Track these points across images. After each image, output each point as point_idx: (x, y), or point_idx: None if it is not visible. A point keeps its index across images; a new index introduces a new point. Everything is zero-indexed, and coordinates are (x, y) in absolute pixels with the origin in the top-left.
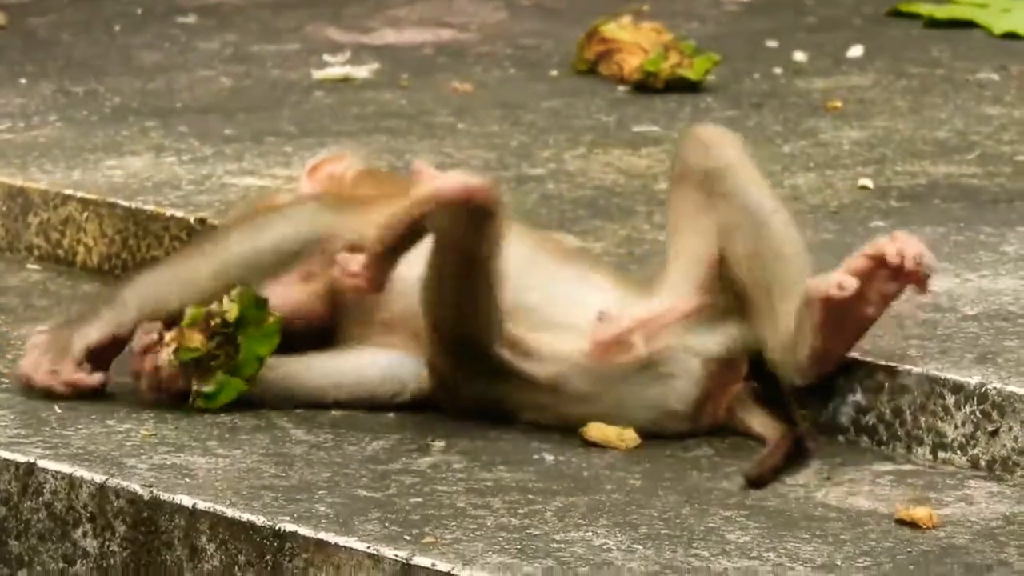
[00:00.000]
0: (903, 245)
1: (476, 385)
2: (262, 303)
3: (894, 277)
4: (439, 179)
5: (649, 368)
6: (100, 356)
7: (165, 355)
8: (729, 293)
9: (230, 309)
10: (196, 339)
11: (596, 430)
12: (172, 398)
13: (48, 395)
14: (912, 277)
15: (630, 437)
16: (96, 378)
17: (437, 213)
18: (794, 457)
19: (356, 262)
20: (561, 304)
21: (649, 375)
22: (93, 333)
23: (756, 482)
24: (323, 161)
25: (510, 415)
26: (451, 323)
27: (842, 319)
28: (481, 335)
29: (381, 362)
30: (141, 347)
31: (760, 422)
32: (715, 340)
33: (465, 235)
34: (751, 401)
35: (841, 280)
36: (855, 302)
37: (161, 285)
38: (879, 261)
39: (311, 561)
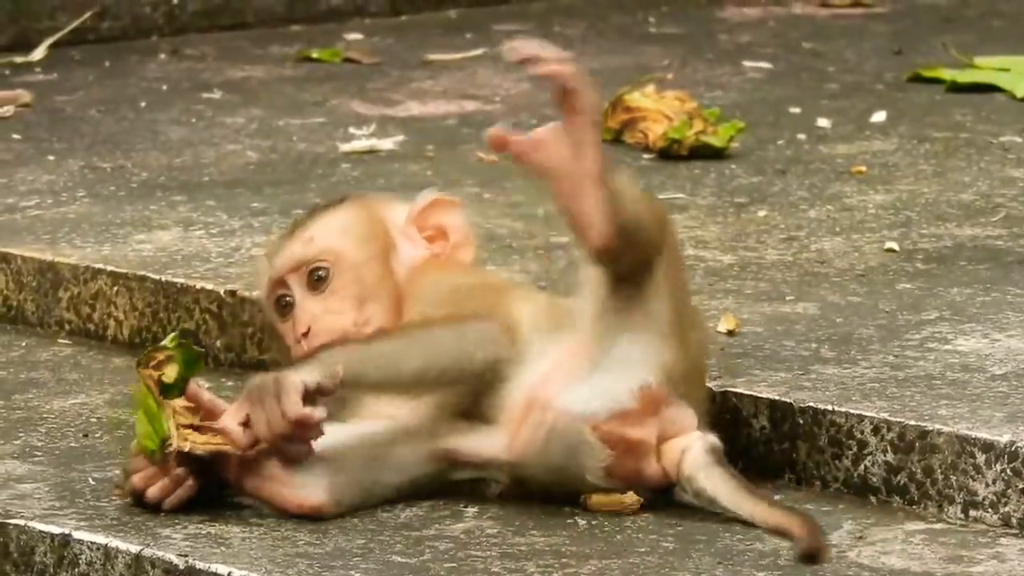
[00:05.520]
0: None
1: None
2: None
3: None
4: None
5: (552, 444)
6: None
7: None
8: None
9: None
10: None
11: (596, 501)
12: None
13: (273, 443)
14: (558, 71)
15: (631, 499)
16: (321, 410)
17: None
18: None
19: None
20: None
21: (557, 451)
22: (312, 375)
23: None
24: (433, 203)
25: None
26: None
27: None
28: None
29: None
30: (143, 483)
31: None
32: (593, 398)
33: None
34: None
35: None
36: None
37: (367, 361)
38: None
39: None
